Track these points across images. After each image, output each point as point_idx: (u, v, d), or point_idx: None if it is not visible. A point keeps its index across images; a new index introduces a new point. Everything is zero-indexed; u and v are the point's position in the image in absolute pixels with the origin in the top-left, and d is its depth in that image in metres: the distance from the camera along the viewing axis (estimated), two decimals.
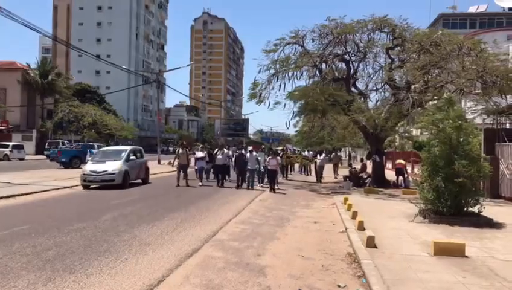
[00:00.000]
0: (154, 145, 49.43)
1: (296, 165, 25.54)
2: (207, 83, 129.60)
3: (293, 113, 19.10)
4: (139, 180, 16.68)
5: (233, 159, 17.64)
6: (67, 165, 24.73)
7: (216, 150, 17.88)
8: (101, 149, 19.13)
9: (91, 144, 31.74)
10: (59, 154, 26.21)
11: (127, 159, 15.78)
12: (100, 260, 5.93)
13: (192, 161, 18.08)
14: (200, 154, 17.46)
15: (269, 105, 17.73)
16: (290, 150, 30.59)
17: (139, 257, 6.11)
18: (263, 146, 24.97)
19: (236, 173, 16.46)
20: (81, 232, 7.60)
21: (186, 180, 16.09)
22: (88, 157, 20.86)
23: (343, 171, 22.80)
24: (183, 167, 16.06)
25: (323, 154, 22.86)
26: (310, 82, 18.02)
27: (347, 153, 46.51)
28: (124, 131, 49.30)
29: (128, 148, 17.11)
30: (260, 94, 17.63)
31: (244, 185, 16.16)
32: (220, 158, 16.53)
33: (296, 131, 58.23)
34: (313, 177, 22.08)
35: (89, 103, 49.54)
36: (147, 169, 17.47)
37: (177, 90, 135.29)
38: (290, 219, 9.93)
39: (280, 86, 17.09)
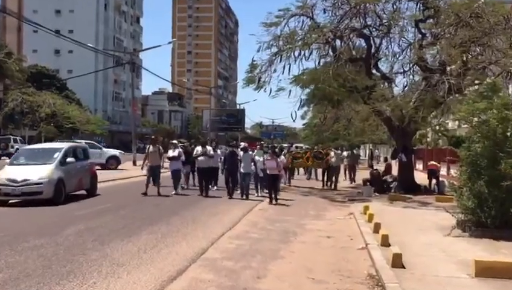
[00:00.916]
0: (128, 142, 49.45)
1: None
2: (193, 65, 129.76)
3: (300, 101, 19.15)
4: (83, 191, 14.94)
5: (223, 158, 16.98)
6: None
7: (196, 148, 16.65)
8: (26, 148, 17.89)
9: (81, 142, 25.51)
10: None
11: (63, 162, 13.66)
12: (63, 284, 5.91)
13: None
14: (172, 152, 16.19)
15: (270, 92, 17.81)
16: (295, 147, 30.45)
17: (110, 281, 6.10)
18: (262, 142, 23.04)
19: (226, 176, 15.67)
20: (38, 251, 7.58)
21: (158, 187, 15.34)
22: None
23: (363, 174, 22.88)
24: (154, 170, 15.29)
25: (339, 151, 22.56)
26: (321, 63, 18.01)
27: (367, 151, 46.69)
28: (91, 125, 49.27)
29: (65, 145, 15.29)
30: (259, 78, 17.64)
31: (238, 193, 15.52)
32: (203, 160, 15.77)
33: (304, 124, 58.22)
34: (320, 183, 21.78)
35: (47, 90, 49.47)
36: (94, 175, 15.71)
37: (157, 75, 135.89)
38: (297, 232, 9.94)
39: (284, 68, 17.11)
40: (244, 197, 15.22)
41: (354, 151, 28.59)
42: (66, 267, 6.67)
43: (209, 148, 16.57)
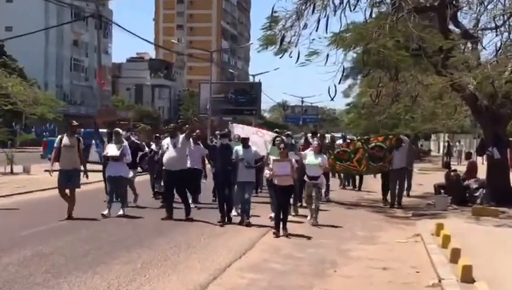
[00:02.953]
0: (92, 131, 49.55)
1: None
2: (186, 18, 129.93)
3: (343, 71, 18.86)
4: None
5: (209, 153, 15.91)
6: None
7: (164, 142, 15.15)
8: None
9: (94, 131, 26.52)
10: (44, 148, 27.22)
11: None
12: None
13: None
14: (112, 149, 14.76)
15: (298, 57, 17.65)
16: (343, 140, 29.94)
17: None
18: (288, 132, 20.56)
19: (216, 189, 14.78)
20: None
21: (71, 204, 13.88)
22: (95, 151, 21.24)
23: (435, 178, 22.62)
24: (70, 176, 13.95)
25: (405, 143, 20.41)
26: (374, 14, 17.90)
27: (442, 143, 46.34)
28: (40, 106, 49.51)
29: None
30: (282, 38, 17.65)
31: (235, 217, 14.05)
32: (175, 156, 14.17)
33: (347, 104, 58.03)
34: (373, 192, 21.55)
35: None
36: None
37: (133, 33, 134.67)
38: (338, 262, 9.95)
39: (319, 22, 16.91)
40: (245, 222, 13.58)
41: (420, 145, 28.34)
42: None
43: (181, 138, 14.47)
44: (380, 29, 16.79)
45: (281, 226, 12.53)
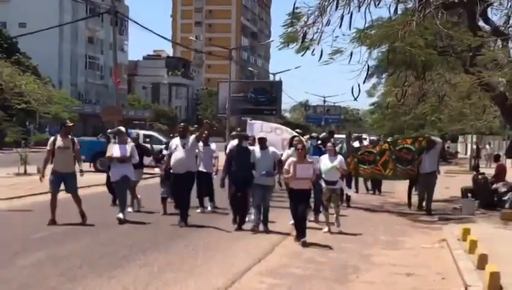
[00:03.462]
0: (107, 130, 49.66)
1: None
2: (205, 15, 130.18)
3: (367, 70, 18.79)
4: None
5: (226, 157, 14.78)
6: None
7: (172, 142, 14.41)
8: None
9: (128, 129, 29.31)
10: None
11: None
12: None
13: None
14: (116, 149, 14.38)
15: (321, 55, 17.44)
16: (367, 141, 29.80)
17: None
18: (313, 134, 19.03)
19: (231, 193, 13.75)
20: None
21: (78, 206, 13.58)
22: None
23: (461, 181, 22.59)
24: (64, 180, 13.56)
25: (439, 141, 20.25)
26: (400, 11, 17.86)
27: (470, 145, 46.04)
28: (54, 105, 49.92)
29: None
30: (304, 35, 17.56)
31: (250, 222, 13.57)
32: (183, 158, 13.62)
33: (372, 104, 57.72)
34: (394, 196, 21.52)
35: None
36: None
37: (150, 30, 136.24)
38: (360, 267, 9.96)
39: (342, 18, 16.85)
40: (263, 229, 13.20)
41: (447, 147, 28.18)
42: None
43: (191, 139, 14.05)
44: (407, 27, 16.68)
45: (302, 232, 12.06)
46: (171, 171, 13.91)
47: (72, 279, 8.48)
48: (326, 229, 13.56)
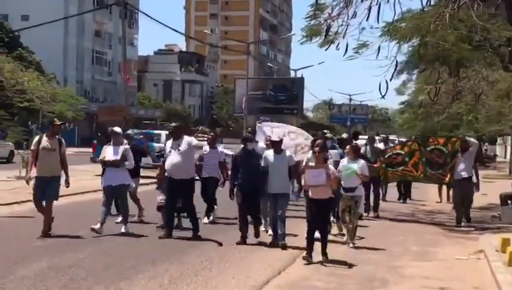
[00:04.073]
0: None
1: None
2: (221, 6, 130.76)
3: (396, 65, 18.65)
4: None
5: (231, 164, 14.47)
6: None
7: (167, 143, 14.15)
8: None
9: (150, 131, 32.30)
10: (94, 149, 30.48)
11: None
12: None
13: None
14: (109, 152, 14.02)
15: (346, 50, 17.45)
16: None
17: None
18: (324, 132, 18.82)
19: (239, 203, 13.12)
20: None
21: (46, 218, 13.24)
22: (154, 154, 21.01)
23: (500, 187, 22.47)
24: (47, 185, 13.12)
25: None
26: (432, 2, 17.55)
27: (508, 147, 46.05)
28: (58, 103, 50.07)
29: None
30: (328, 28, 17.38)
31: (263, 232, 13.48)
32: (177, 162, 13.24)
33: (402, 103, 57.82)
34: (426, 204, 21.60)
35: None
36: None
37: (162, 23, 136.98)
38: (388, 280, 10.04)
39: (370, 10, 16.41)
40: (281, 243, 12.60)
41: (484, 149, 28.00)
42: None
43: (190, 139, 13.91)
44: (439, 20, 16.50)
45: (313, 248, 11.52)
46: (166, 175, 13.66)
47: None
48: (351, 244, 13.04)
